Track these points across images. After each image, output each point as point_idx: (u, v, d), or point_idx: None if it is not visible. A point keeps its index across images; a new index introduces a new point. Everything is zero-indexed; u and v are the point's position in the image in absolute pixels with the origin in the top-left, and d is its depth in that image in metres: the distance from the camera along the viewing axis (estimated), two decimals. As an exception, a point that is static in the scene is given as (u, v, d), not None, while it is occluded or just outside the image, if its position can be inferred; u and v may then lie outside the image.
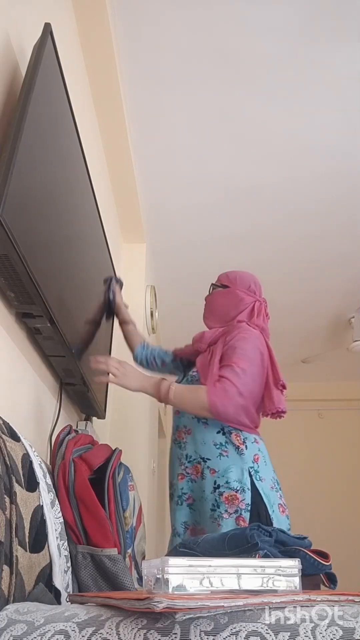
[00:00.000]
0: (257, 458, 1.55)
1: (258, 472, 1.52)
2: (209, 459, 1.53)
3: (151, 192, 2.83)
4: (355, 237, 3.16)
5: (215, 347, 1.63)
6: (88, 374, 1.67)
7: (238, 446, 1.53)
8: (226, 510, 1.45)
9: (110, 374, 1.55)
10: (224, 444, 1.54)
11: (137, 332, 2.04)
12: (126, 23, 1.98)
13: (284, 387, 1.60)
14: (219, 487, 1.48)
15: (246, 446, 1.54)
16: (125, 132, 2.36)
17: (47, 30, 1.27)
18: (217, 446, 1.54)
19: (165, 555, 1.00)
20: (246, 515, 1.44)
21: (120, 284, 2.10)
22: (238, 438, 1.54)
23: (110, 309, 2.04)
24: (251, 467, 1.51)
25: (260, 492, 1.49)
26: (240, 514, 1.44)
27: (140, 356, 1.98)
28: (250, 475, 1.50)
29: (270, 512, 1.48)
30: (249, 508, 1.45)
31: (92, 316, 1.85)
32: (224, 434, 1.55)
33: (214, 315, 1.77)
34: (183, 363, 1.91)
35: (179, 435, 1.65)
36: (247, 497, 1.46)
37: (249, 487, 1.47)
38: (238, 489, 1.46)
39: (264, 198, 2.88)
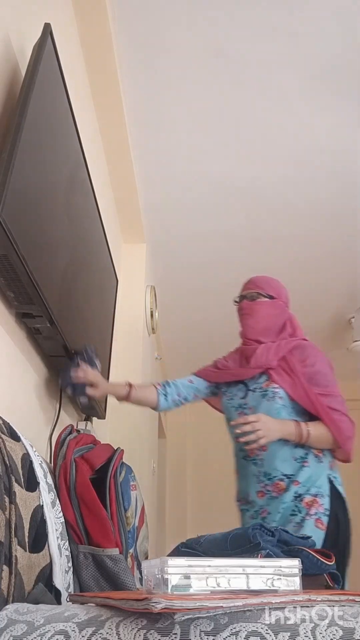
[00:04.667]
0: (333, 465, 1.60)
1: (337, 477, 1.59)
2: (292, 475, 1.54)
3: (151, 192, 2.83)
4: (355, 238, 3.16)
5: (291, 365, 1.64)
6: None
7: (317, 455, 1.57)
8: (307, 513, 1.48)
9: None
10: (304, 456, 1.56)
11: (143, 387, 1.81)
12: (126, 23, 1.98)
13: None
14: (299, 495, 1.51)
15: (324, 454, 1.58)
16: (126, 132, 2.36)
17: (47, 30, 1.27)
18: (298, 460, 1.55)
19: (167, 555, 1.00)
20: (324, 519, 1.48)
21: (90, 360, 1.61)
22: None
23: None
24: (330, 474, 1.57)
25: (343, 496, 1.55)
26: (319, 517, 1.48)
27: (166, 405, 1.81)
28: (331, 482, 1.55)
29: (349, 517, 1.54)
30: (328, 513, 1.49)
31: (92, 316, 1.85)
32: (302, 446, 1.56)
33: (262, 326, 1.74)
34: (214, 385, 1.82)
35: (251, 452, 1.58)
36: (326, 502, 1.51)
37: (328, 494, 1.52)
38: (317, 494, 1.51)
39: (264, 198, 2.88)
